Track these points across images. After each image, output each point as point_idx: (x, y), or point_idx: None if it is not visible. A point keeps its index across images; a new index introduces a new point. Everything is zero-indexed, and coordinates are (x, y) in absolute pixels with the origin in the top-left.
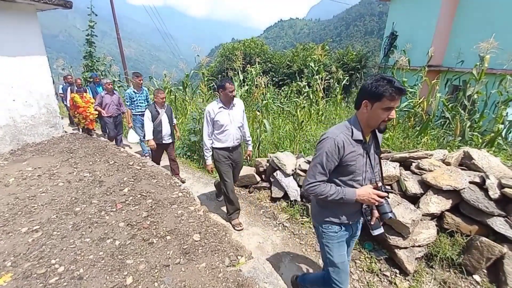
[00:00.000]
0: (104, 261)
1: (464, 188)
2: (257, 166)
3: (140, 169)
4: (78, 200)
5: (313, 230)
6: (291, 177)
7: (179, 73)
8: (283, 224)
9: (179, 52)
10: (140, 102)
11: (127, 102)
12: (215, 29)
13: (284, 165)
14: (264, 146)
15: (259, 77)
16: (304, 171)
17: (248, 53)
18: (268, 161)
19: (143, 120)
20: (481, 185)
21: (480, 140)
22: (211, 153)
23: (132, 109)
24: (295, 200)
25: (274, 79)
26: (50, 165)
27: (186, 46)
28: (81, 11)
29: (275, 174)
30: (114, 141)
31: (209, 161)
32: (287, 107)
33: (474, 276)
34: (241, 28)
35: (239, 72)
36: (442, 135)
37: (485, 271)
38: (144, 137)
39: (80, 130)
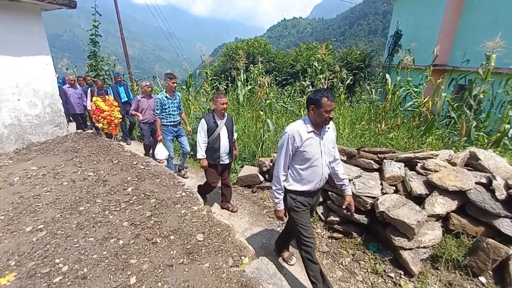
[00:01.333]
0: (108, 260)
1: (470, 189)
2: (260, 166)
3: (144, 168)
4: (82, 199)
5: (317, 231)
6: None
7: (182, 73)
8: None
9: (182, 52)
10: (172, 110)
11: (157, 109)
12: (218, 29)
13: None
14: (268, 146)
15: (262, 77)
16: None
17: (252, 53)
18: (271, 161)
19: (175, 132)
20: (488, 186)
21: (486, 140)
22: (283, 195)
23: (163, 118)
24: None
25: (277, 78)
26: (54, 164)
27: (189, 45)
28: (85, 11)
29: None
30: (149, 151)
31: (281, 206)
32: (291, 106)
33: (479, 278)
34: (245, 27)
35: (242, 72)
36: (447, 135)
37: (491, 272)
38: (184, 153)
39: (103, 135)
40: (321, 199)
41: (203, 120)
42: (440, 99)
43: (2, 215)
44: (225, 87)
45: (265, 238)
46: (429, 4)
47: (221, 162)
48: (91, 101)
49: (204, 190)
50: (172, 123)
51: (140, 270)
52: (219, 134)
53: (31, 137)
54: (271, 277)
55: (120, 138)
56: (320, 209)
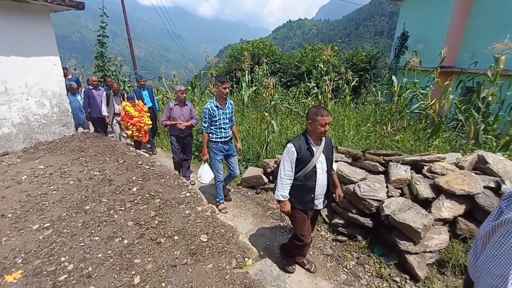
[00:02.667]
0: (112, 260)
1: (478, 193)
2: (264, 167)
3: (149, 168)
4: (88, 198)
5: (321, 233)
6: None
7: (188, 73)
8: (290, 226)
9: (188, 53)
10: (223, 123)
11: (205, 122)
12: (223, 30)
13: None
14: (272, 147)
15: (267, 78)
16: None
17: (257, 54)
18: (276, 162)
19: (226, 150)
20: (496, 190)
21: (495, 144)
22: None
23: (212, 132)
24: None
25: (282, 79)
26: (61, 163)
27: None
28: (93, 12)
29: None
30: (180, 169)
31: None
32: (295, 108)
33: None
34: (250, 28)
35: (247, 73)
36: (455, 138)
37: None
38: (231, 177)
39: (128, 141)
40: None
41: (291, 146)
42: (447, 102)
43: (9, 213)
44: (230, 88)
45: (268, 240)
46: (437, 5)
47: (314, 208)
48: (118, 105)
49: (293, 250)
50: (223, 139)
51: (144, 270)
52: (314, 167)
53: (39, 136)
54: (274, 279)
55: (149, 146)
56: (324, 212)
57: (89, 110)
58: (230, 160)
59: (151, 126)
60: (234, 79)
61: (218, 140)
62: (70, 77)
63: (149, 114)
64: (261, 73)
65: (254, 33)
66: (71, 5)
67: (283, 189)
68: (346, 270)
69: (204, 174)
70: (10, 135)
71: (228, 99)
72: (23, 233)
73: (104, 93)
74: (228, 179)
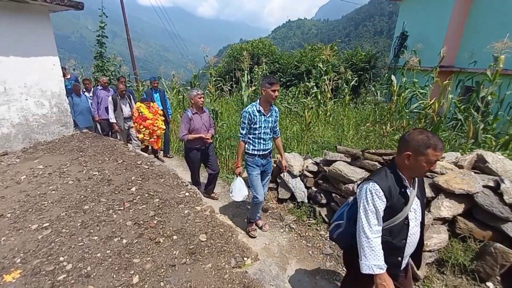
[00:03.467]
0: (111, 259)
1: (477, 192)
2: None
3: (148, 168)
4: (87, 198)
5: (320, 233)
6: (298, 178)
7: (187, 73)
8: (289, 226)
9: (187, 53)
10: (264, 133)
11: (242, 128)
12: (223, 30)
13: (291, 166)
14: (271, 146)
15: None
16: (311, 172)
17: (256, 54)
18: (275, 162)
19: (263, 165)
20: (496, 189)
21: (494, 143)
22: None
23: (249, 142)
24: (302, 202)
25: (281, 79)
26: (60, 163)
27: (194, 46)
28: (92, 13)
29: (282, 175)
30: (199, 186)
31: None
32: (295, 107)
33: (487, 283)
34: (249, 28)
35: (247, 73)
36: (454, 137)
37: (499, 278)
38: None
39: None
40: (324, 201)
41: (376, 189)
42: (446, 101)
43: (8, 213)
44: (229, 88)
45: (268, 239)
46: (436, 5)
47: (399, 272)
48: (126, 106)
49: None
50: (261, 153)
51: (143, 269)
52: (406, 217)
53: (38, 137)
54: (273, 278)
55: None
56: (324, 211)
57: (98, 112)
58: (262, 176)
59: (164, 131)
60: (234, 79)
61: (255, 152)
62: (69, 77)
63: (164, 118)
64: (260, 73)
65: (253, 33)
66: (70, 5)
67: (375, 255)
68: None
69: (236, 190)
70: (9, 135)
71: (273, 105)
72: (22, 233)
73: (110, 98)
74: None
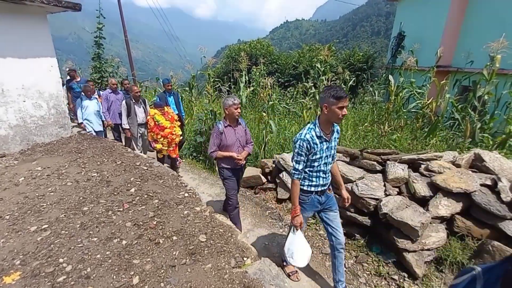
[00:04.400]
0: (111, 260)
1: (475, 191)
2: (263, 167)
3: (147, 169)
4: (86, 199)
5: (319, 232)
6: None
7: (185, 74)
8: (289, 225)
9: (185, 54)
10: (324, 163)
11: (298, 162)
12: (221, 31)
13: (290, 166)
14: (270, 147)
15: (264, 78)
16: None
17: (254, 54)
18: (274, 162)
19: (321, 204)
20: (493, 188)
21: (491, 142)
22: None
23: (306, 177)
24: None
25: (280, 80)
26: (59, 165)
27: (192, 47)
28: (90, 14)
29: (281, 175)
30: (233, 213)
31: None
32: (293, 108)
33: None
34: (247, 29)
35: (245, 74)
36: (452, 136)
37: None
38: (337, 252)
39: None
40: None
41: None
42: (444, 101)
43: (7, 215)
44: (227, 88)
45: (267, 240)
46: (433, 5)
47: None
48: (141, 113)
49: None
50: (319, 188)
51: (143, 270)
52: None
53: (36, 138)
54: (273, 278)
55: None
56: None
57: (108, 115)
58: (328, 217)
59: (181, 136)
60: (232, 80)
61: (312, 189)
62: (79, 79)
63: (180, 123)
64: (258, 73)
65: (251, 34)
66: (67, 6)
67: None
68: (345, 268)
69: (298, 251)
70: (7, 137)
71: (335, 128)
72: (21, 235)
73: (124, 102)
74: (337, 258)
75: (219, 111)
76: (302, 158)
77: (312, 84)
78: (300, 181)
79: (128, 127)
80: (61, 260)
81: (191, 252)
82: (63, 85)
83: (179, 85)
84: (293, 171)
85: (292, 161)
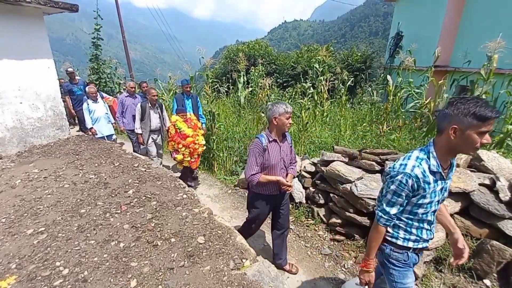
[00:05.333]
0: (108, 263)
1: (473, 191)
2: None
3: (145, 171)
4: (83, 202)
5: (318, 233)
6: (296, 178)
7: (183, 75)
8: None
9: (183, 54)
10: (437, 203)
11: (391, 204)
12: (219, 31)
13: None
14: None
15: (263, 79)
16: (309, 172)
17: (252, 55)
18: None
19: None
20: (491, 187)
21: None
22: None
23: (402, 227)
24: (300, 202)
25: (278, 80)
26: (56, 167)
27: (190, 48)
28: (87, 15)
29: None
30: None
31: None
32: (292, 108)
33: (484, 280)
34: (245, 30)
35: (243, 74)
36: None
37: (496, 275)
38: None
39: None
40: (322, 201)
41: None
42: (442, 100)
43: (3, 218)
44: (226, 89)
45: (266, 241)
46: (430, 5)
47: None
48: (157, 119)
49: None
50: (421, 245)
51: (141, 273)
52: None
53: (33, 140)
54: (272, 280)
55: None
56: (322, 211)
57: (122, 120)
58: None
59: (204, 146)
60: (231, 80)
61: (410, 245)
62: (76, 82)
63: (203, 132)
64: (257, 74)
65: (249, 34)
66: (64, 7)
67: None
68: (344, 269)
69: None
70: (4, 139)
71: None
72: (17, 238)
73: (139, 105)
74: None
75: (218, 111)
76: (399, 200)
77: (311, 85)
78: (391, 231)
79: (141, 132)
80: (57, 263)
81: (190, 254)
82: (60, 86)
83: (177, 86)
84: (381, 214)
85: (381, 200)
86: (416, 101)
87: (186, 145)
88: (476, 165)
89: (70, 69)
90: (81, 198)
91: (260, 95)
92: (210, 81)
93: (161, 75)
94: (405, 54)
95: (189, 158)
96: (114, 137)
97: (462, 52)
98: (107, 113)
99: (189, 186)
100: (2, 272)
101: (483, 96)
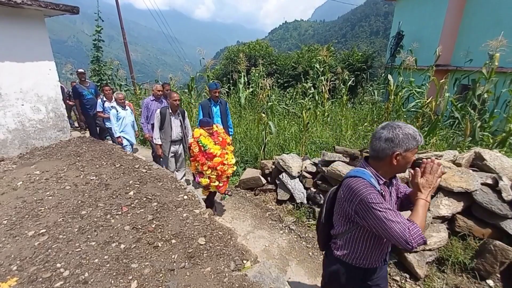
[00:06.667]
0: (109, 265)
1: (476, 190)
2: (262, 169)
3: (146, 172)
4: (84, 203)
5: None
6: (297, 179)
7: (184, 76)
8: (289, 227)
9: (184, 56)
10: None
11: None
12: (220, 32)
13: (290, 167)
14: (270, 148)
15: (263, 79)
16: (310, 173)
17: (253, 55)
18: (273, 163)
19: None
20: (494, 187)
21: (491, 140)
22: None
23: None
24: (301, 203)
25: (279, 81)
26: (57, 169)
27: (191, 49)
28: (88, 17)
29: (280, 176)
30: None
31: None
32: (293, 108)
33: (487, 281)
34: (246, 30)
35: (244, 75)
36: (452, 135)
37: (499, 275)
38: None
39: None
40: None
41: None
42: (443, 100)
43: (5, 220)
44: (227, 90)
45: (267, 241)
46: (431, 4)
47: None
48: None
49: None
50: None
51: (141, 274)
52: None
53: (35, 142)
54: (273, 281)
55: (228, 194)
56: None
57: (146, 127)
58: None
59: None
60: (231, 81)
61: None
62: (88, 85)
63: (233, 149)
64: (257, 74)
65: (250, 35)
66: (65, 9)
67: None
68: None
69: None
70: (6, 141)
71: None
72: (19, 240)
73: (158, 111)
74: None
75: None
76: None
77: (312, 85)
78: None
79: (160, 143)
80: (58, 265)
81: (190, 255)
82: (63, 91)
83: (178, 87)
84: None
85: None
86: (418, 101)
87: (213, 167)
88: (479, 165)
89: (80, 70)
90: (82, 199)
91: (260, 96)
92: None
93: (162, 76)
94: (406, 54)
95: (216, 183)
96: (134, 146)
97: (464, 51)
98: (133, 121)
99: (215, 213)
100: (3, 274)
101: (485, 95)
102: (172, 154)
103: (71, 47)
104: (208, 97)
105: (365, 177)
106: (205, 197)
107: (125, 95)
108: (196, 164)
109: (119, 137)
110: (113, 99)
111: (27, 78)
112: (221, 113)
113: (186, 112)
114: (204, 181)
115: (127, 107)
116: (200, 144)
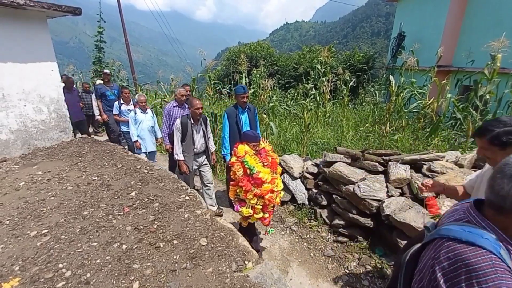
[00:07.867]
0: (111, 265)
1: None
2: None
3: (148, 172)
4: (86, 204)
5: (321, 234)
6: (299, 180)
7: (186, 77)
8: (290, 228)
9: (185, 56)
10: None
11: None
12: (221, 33)
13: (291, 168)
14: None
15: (265, 80)
16: (312, 174)
17: (254, 56)
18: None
19: None
20: None
21: None
22: None
23: None
24: (303, 204)
25: (280, 81)
26: (59, 169)
27: (192, 50)
28: (90, 18)
29: (282, 177)
30: None
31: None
32: (294, 109)
33: None
34: (247, 31)
35: (245, 76)
36: (454, 136)
37: None
38: None
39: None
40: (325, 202)
41: None
42: (445, 100)
43: (7, 220)
44: (228, 90)
45: (269, 242)
46: (432, 4)
47: None
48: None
49: None
50: None
51: (143, 275)
52: None
53: (37, 142)
54: (275, 282)
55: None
56: (324, 213)
57: (166, 136)
58: None
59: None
60: (232, 82)
61: None
62: (111, 85)
63: (281, 170)
64: (258, 75)
65: (251, 36)
66: (67, 10)
67: None
68: (347, 271)
69: None
70: (8, 142)
71: None
72: (21, 240)
73: (178, 121)
74: None
75: (220, 113)
76: None
77: (313, 85)
78: None
79: (183, 159)
80: (60, 265)
81: (192, 256)
82: (86, 91)
83: (176, 88)
84: None
85: None
86: (419, 101)
87: (260, 195)
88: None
89: (106, 70)
90: (84, 200)
91: (262, 97)
92: (212, 82)
93: (163, 77)
94: (408, 54)
95: (261, 214)
96: (155, 155)
97: (465, 51)
98: (153, 127)
99: (257, 251)
100: (6, 274)
101: (487, 96)
102: (196, 167)
103: (73, 48)
104: (234, 103)
105: (487, 247)
106: (243, 224)
107: (146, 98)
108: (239, 190)
109: (136, 141)
110: (131, 102)
111: (29, 79)
112: (250, 121)
113: (207, 118)
114: (246, 212)
115: (148, 111)
116: (246, 166)
